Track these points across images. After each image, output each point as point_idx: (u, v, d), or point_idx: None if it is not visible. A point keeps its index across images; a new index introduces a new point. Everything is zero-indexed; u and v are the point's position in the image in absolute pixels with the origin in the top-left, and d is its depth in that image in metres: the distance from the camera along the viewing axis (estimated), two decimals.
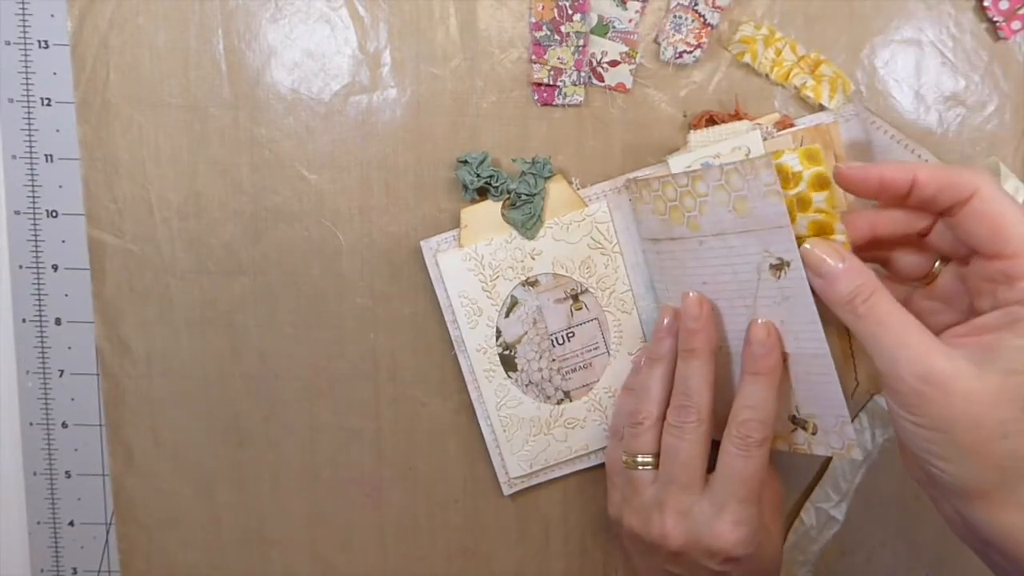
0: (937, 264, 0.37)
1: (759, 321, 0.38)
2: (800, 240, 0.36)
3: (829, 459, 0.48)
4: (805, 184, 0.36)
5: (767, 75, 0.44)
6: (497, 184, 0.44)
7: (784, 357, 0.39)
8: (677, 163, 0.42)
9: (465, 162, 0.44)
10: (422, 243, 0.45)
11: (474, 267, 0.45)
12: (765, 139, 0.40)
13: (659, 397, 0.41)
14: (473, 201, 0.45)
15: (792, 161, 0.36)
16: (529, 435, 0.46)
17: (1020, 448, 0.30)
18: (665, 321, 0.41)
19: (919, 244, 0.37)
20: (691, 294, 0.40)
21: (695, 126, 0.44)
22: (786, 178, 0.36)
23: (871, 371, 0.44)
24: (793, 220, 0.36)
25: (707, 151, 0.41)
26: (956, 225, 0.34)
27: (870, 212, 0.37)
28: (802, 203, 0.36)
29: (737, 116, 0.44)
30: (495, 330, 0.45)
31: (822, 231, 0.36)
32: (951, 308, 0.37)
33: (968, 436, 0.30)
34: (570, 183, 0.45)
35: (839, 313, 0.34)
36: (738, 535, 0.37)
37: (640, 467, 0.40)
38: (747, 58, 0.44)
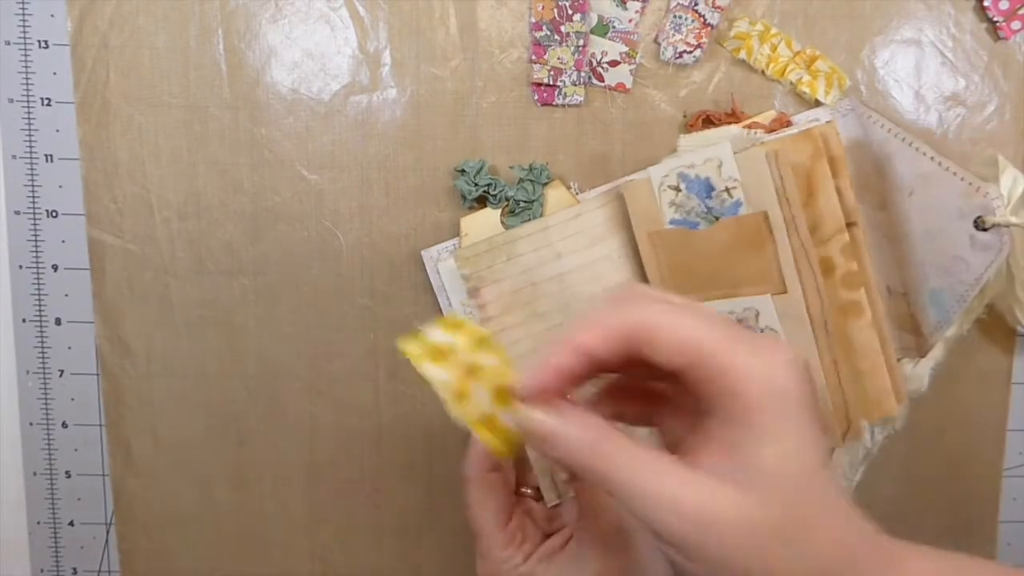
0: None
1: None
2: (487, 419, 0.29)
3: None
4: (465, 352, 0.30)
5: (763, 71, 0.44)
6: (495, 192, 0.44)
7: None
8: (656, 172, 0.42)
9: (463, 171, 0.44)
10: (423, 253, 0.45)
11: None
12: (736, 152, 0.40)
13: None
14: (472, 209, 0.45)
15: (438, 337, 0.30)
16: None
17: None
18: None
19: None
20: None
21: (691, 127, 0.44)
22: (441, 355, 0.30)
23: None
24: (468, 395, 0.30)
25: (682, 161, 0.41)
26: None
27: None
28: (473, 371, 0.30)
29: (734, 115, 0.44)
30: None
31: (504, 393, 0.29)
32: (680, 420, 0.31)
33: (742, 566, 0.26)
34: (568, 188, 0.45)
35: (580, 474, 0.28)
36: None
37: None
38: (743, 54, 0.44)
